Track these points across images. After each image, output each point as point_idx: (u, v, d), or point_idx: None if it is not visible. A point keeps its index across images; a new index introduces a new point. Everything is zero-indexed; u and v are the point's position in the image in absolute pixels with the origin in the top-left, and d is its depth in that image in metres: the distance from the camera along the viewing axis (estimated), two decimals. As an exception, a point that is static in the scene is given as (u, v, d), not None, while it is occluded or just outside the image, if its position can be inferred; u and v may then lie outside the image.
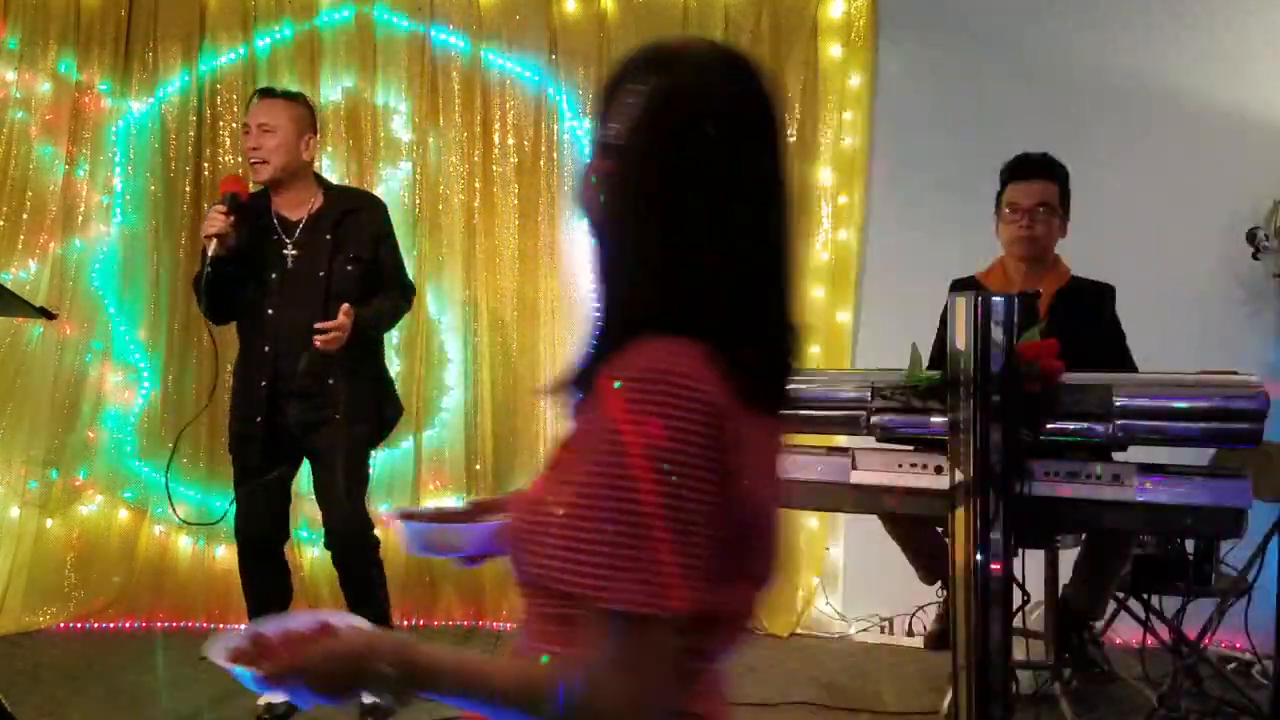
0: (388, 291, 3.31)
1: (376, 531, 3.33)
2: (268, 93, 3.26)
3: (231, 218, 3.02)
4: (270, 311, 3.13)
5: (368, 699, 3.51)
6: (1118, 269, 3.19)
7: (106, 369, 4.13)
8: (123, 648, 3.85)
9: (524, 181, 4.19)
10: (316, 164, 3.42)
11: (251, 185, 3.28)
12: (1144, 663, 3.14)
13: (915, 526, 2.89)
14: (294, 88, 4.06)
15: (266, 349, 3.13)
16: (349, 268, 3.17)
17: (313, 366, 3.08)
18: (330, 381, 3.13)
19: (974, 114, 4.09)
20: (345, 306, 3.05)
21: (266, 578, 3.30)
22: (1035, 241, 3.00)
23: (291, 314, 3.11)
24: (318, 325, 3.03)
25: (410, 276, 3.50)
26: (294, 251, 3.15)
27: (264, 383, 3.14)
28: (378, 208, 3.37)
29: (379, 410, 3.36)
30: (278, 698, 3.27)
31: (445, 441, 4.22)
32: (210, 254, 3.01)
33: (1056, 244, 3.07)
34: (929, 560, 2.90)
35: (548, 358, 4.20)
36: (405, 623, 4.02)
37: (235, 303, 3.17)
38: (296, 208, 3.20)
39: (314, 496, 3.32)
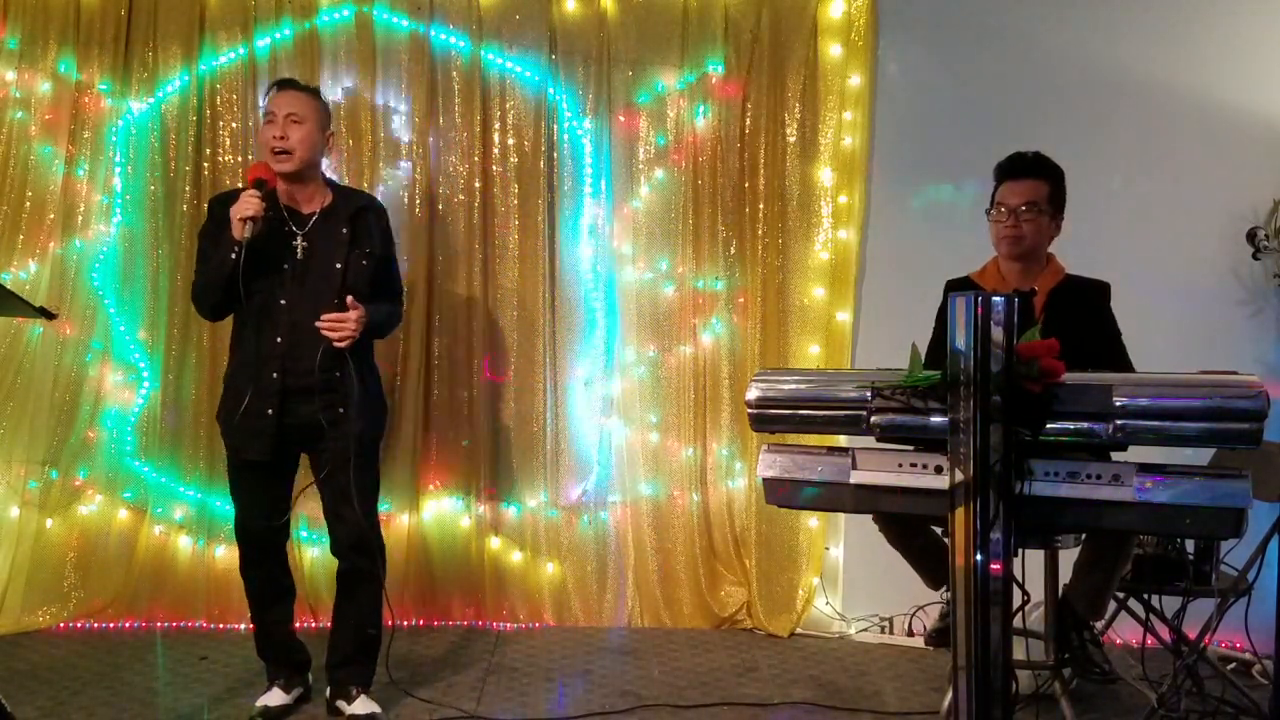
0: (391, 297, 3.32)
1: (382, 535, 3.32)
2: (293, 84, 3.21)
3: (264, 202, 3.00)
4: (283, 302, 3.09)
5: (363, 709, 3.50)
6: (1118, 268, 3.18)
7: (106, 369, 4.13)
8: (123, 648, 3.85)
9: (524, 181, 4.19)
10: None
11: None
12: (1144, 663, 3.13)
13: (914, 533, 2.88)
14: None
15: (279, 340, 3.09)
16: (364, 262, 3.16)
17: (326, 360, 3.07)
18: (339, 375, 3.10)
19: (974, 113, 4.09)
20: (349, 299, 3.06)
21: (269, 576, 3.28)
22: (1019, 241, 2.98)
23: (306, 306, 3.09)
24: (325, 316, 3.03)
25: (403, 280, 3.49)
26: (304, 243, 3.12)
27: (276, 374, 3.09)
28: (383, 210, 3.37)
29: (380, 412, 3.36)
30: (274, 699, 3.27)
31: (445, 441, 4.22)
32: (243, 237, 2.95)
33: (1049, 243, 3.05)
34: (932, 565, 2.89)
35: (548, 357, 4.20)
36: (405, 623, 4.01)
37: (237, 297, 3.09)
38: (308, 202, 3.18)
39: (321, 502, 3.27)
